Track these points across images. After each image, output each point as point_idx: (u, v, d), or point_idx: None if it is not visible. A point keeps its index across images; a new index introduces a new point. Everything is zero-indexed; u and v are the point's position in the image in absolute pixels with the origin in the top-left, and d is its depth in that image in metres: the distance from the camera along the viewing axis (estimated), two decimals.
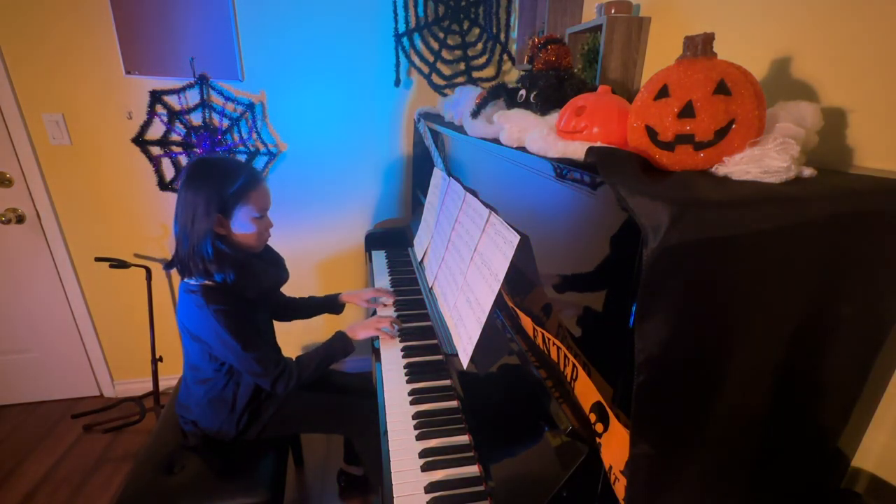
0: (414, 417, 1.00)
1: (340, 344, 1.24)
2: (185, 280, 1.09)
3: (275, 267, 1.26)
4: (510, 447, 0.77)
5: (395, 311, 1.42)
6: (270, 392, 1.16)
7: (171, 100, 1.70)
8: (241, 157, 1.81)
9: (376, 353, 1.24)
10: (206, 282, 1.07)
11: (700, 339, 0.47)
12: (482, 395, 0.93)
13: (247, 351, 1.07)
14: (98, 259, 1.77)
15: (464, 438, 0.94)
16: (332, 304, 1.51)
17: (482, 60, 1.86)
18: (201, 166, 1.06)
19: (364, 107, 1.87)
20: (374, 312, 1.44)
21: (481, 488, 0.82)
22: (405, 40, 1.77)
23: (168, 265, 1.11)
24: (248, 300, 1.12)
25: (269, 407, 1.22)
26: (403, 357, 1.21)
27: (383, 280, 1.68)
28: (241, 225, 1.09)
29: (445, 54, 1.83)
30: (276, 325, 1.38)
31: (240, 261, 1.08)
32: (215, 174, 1.05)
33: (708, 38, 0.50)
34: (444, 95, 1.80)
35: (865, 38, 0.59)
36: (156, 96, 1.67)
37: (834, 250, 0.48)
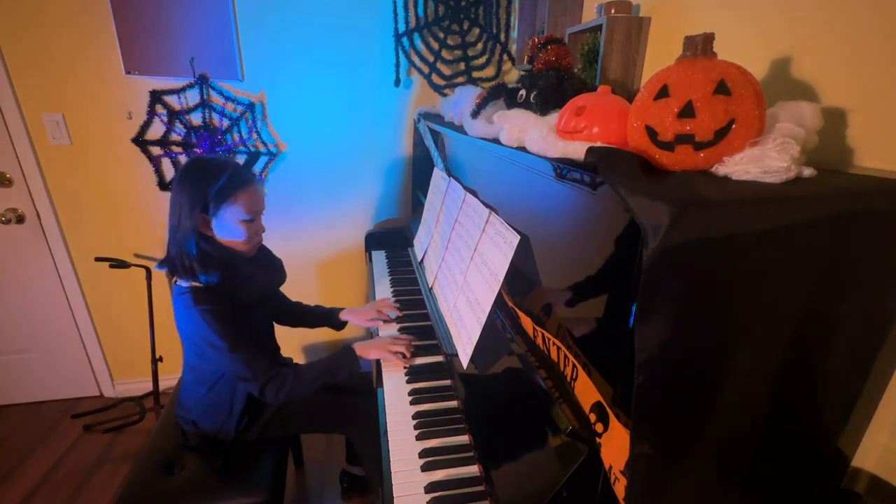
0: (414, 417, 1.00)
1: (346, 361, 1.17)
2: (178, 283, 1.08)
3: (270, 269, 1.23)
4: (510, 447, 0.77)
5: (396, 313, 1.42)
6: (259, 398, 1.12)
7: (171, 100, 1.70)
8: (241, 157, 1.81)
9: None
10: (196, 283, 1.06)
11: (700, 340, 0.47)
12: (482, 395, 0.93)
13: (234, 352, 1.05)
14: (98, 259, 1.77)
15: (464, 438, 0.94)
16: (333, 319, 1.45)
17: (482, 60, 1.86)
18: (190, 166, 1.06)
19: (364, 107, 1.87)
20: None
21: (481, 488, 0.82)
22: (405, 40, 1.77)
23: (159, 264, 1.09)
24: (241, 302, 1.11)
25: (269, 408, 1.22)
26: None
27: (383, 280, 1.67)
28: (228, 227, 1.06)
29: (445, 54, 1.83)
30: (279, 327, 1.37)
31: (225, 262, 1.06)
32: (201, 174, 1.04)
33: (708, 38, 0.50)
34: (444, 95, 1.80)
35: (865, 37, 0.59)
36: (156, 96, 1.67)
37: (834, 250, 0.48)
